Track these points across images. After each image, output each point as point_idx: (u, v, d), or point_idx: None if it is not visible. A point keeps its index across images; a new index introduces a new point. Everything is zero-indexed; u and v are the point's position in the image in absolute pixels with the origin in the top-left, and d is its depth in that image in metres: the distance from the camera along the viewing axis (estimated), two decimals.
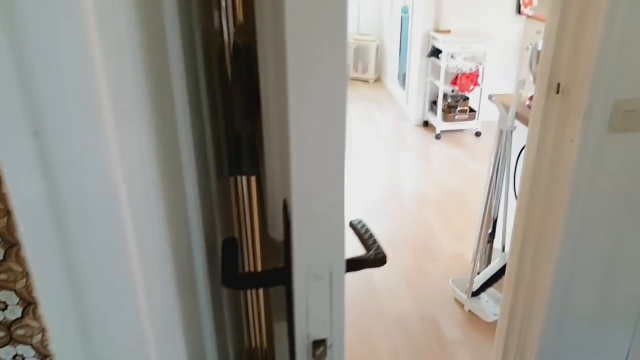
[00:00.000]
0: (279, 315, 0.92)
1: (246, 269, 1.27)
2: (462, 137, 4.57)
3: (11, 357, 0.71)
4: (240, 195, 1.31)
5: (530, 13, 4.44)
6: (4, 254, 0.65)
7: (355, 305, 2.52)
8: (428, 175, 3.88)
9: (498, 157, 2.26)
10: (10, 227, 0.64)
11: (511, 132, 2.21)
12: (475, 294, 2.45)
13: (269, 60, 0.75)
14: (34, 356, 0.71)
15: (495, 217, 2.58)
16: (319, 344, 0.67)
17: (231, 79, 1.06)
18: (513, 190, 2.32)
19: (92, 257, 0.43)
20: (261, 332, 1.45)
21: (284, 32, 0.53)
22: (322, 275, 0.65)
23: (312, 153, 0.60)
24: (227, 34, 1.21)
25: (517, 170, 2.25)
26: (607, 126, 1.48)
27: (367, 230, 0.84)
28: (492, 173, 2.34)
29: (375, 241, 0.81)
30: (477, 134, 4.57)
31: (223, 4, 1.17)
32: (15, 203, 0.40)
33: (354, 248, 0.79)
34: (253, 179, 1.20)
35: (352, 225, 0.82)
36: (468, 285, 2.42)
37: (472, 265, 2.52)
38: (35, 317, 0.69)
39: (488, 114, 4.27)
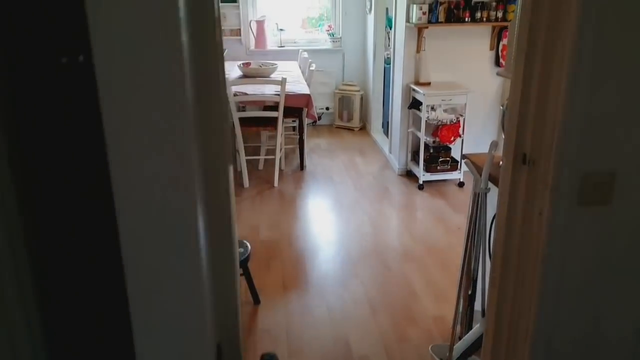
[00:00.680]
0: None
1: None
2: (445, 187, 4.53)
3: None
4: None
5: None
6: None
7: None
8: (410, 228, 3.81)
9: (473, 219, 2.19)
10: None
11: (485, 194, 2.16)
12: None
13: None
14: None
15: (474, 277, 2.49)
16: None
17: None
18: (488, 255, 2.24)
19: None
20: None
21: None
22: None
23: None
24: None
25: (492, 233, 2.18)
26: (577, 199, 1.42)
27: None
28: (468, 235, 2.27)
29: None
30: (460, 185, 4.54)
31: None
32: None
33: None
34: None
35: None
36: (448, 353, 2.31)
37: (452, 330, 2.41)
38: None
39: None
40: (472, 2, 4.27)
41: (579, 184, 1.41)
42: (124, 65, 0.61)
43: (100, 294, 0.71)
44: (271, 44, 6.27)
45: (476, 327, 2.37)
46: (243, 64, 5.16)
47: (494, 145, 2.10)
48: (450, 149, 4.53)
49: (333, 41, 6.41)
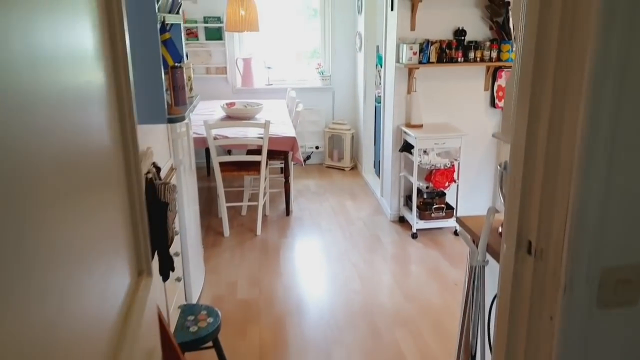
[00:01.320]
0: None
1: None
2: (440, 236, 4.24)
3: None
4: None
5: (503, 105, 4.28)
6: None
7: None
8: (402, 284, 3.49)
9: (469, 296, 1.90)
10: None
11: (483, 267, 1.87)
12: None
13: None
14: None
15: (473, 353, 2.18)
16: None
17: None
18: (488, 343, 1.93)
19: None
20: None
21: None
22: None
23: None
24: None
25: (491, 317, 1.88)
26: (596, 301, 1.14)
27: None
28: (465, 313, 1.97)
29: None
30: (456, 233, 4.24)
31: None
32: None
33: None
34: None
35: None
36: None
37: None
38: None
39: (466, 211, 3.97)
40: (465, 42, 4.08)
41: (598, 282, 1.13)
42: None
43: None
44: (259, 82, 6.07)
45: None
46: (227, 104, 4.94)
47: (491, 212, 1.82)
48: (445, 194, 4.26)
49: (323, 79, 6.22)
